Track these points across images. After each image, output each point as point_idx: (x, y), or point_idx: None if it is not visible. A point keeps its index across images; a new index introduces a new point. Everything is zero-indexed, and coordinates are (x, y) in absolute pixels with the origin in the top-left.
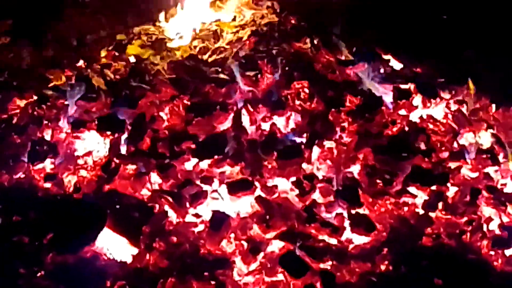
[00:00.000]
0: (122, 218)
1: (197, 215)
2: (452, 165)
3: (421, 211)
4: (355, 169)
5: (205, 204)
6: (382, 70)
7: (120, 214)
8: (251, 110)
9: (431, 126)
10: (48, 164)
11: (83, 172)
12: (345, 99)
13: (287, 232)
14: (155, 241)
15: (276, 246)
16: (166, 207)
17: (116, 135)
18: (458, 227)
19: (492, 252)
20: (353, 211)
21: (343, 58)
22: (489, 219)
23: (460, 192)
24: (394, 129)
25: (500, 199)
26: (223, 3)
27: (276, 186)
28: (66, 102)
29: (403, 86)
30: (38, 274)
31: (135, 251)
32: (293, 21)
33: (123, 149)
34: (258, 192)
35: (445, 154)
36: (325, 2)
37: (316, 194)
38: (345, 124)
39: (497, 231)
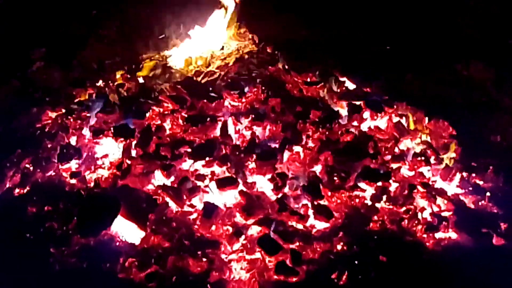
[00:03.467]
0: (132, 207)
1: (192, 206)
2: (394, 165)
3: (369, 202)
4: (318, 168)
5: (199, 197)
6: (339, 90)
7: (131, 204)
8: (235, 121)
9: (377, 134)
10: (73, 164)
11: (101, 171)
12: (310, 112)
13: (264, 219)
14: (158, 226)
15: (255, 230)
16: (168, 199)
17: (128, 141)
18: (398, 215)
19: (425, 235)
20: (315, 202)
21: (308, 79)
22: (422, 209)
23: (400, 187)
24: (348, 137)
25: (431, 193)
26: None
27: (255, 182)
28: (88, 114)
29: (355, 102)
30: (66, 253)
31: (142, 234)
32: (268, 50)
33: (134, 152)
34: (241, 187)
35: (388, 157)
36: (295, 36)
37: (286, 189)
38: (310, 133)
39: (429, 218)
